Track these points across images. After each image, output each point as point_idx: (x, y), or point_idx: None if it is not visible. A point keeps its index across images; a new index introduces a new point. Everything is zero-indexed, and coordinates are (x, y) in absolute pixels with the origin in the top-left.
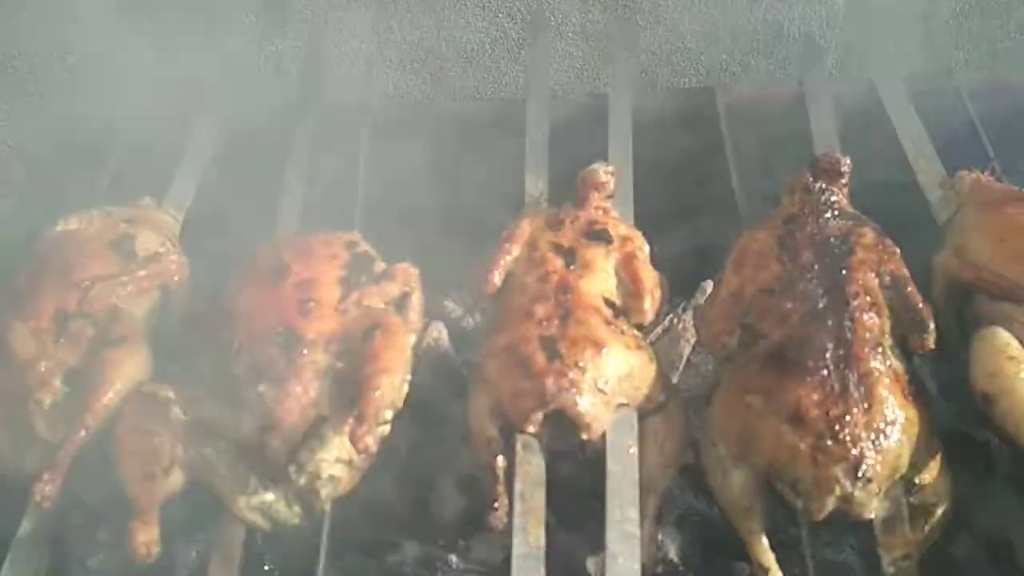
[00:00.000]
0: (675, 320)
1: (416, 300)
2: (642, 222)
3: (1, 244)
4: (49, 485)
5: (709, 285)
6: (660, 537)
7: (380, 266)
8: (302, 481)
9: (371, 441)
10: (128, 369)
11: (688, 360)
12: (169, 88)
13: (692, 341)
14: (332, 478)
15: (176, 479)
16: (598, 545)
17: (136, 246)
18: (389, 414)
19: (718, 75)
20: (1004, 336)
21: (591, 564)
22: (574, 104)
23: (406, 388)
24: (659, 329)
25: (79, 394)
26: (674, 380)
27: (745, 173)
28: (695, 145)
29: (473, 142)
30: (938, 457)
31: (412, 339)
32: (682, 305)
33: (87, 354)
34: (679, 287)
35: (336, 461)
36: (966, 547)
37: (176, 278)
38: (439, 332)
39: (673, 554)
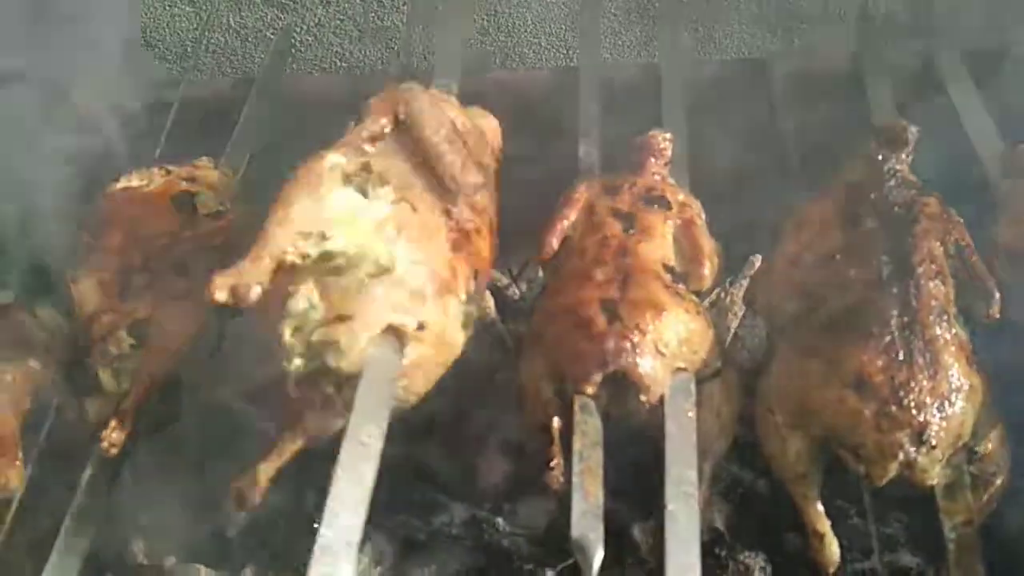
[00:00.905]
0: (723, 294)
1: None
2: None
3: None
4: (116, 432)
5: (757, 259)
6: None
7: None
8: None
9: None
10: (190, 323)
11: (735, 334)
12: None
13: (739, 315)
14: None
15: None
16: (646, 513)
17: (197, 204)
18: None
19: (771, 46)
20: None
21: (638, 530)
22: (626, 74)
23: None
24: (706, 302)
25: (143, 347)
26: (726, 344)
27: (798, 145)
28: (746, 117)
29: (525, 111)
30: (999, 427)
31: None
32: (729, 279)
33: (151, 308)
34: (726, 261)
35: None
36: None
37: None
38: (486, 301)
39: (719, 523)
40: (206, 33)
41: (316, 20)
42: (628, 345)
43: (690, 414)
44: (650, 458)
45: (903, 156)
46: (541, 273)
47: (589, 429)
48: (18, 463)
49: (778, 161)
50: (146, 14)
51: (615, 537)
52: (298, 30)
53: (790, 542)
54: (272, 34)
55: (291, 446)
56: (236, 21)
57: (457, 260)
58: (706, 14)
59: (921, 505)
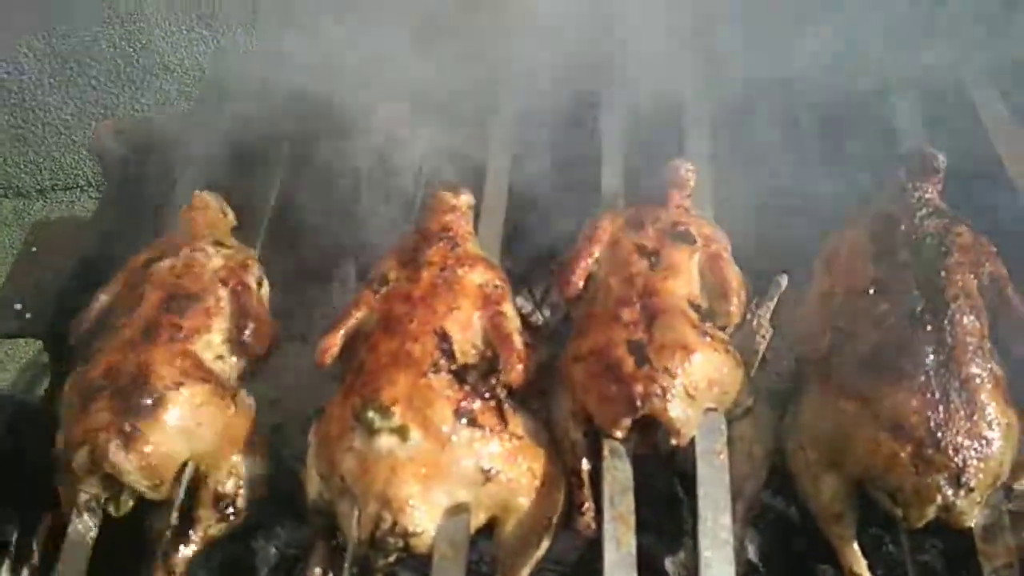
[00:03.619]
0: (748, 316)
1: None
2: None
3: None
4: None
5: (784, 280)
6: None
7: None
8: None
9: None
10: None
11: (764, 357)
12: None
13: (768, 336)
14: None
15: None
16: (677, 545)
17: None
18: None
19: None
20: None
21: (670, 564)
22: (650, 99)
23: None
24: (736, 326)
25: None
26: (761, 378)
27: (821, 167)
28: (768, 137)
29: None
30: None
31: None
32: (755, 300)
33: None
34: (752, 282)
35: None
36: None
37: None
38: None
39: (752, 554)
40: None
41: None
42: (658, 389)
43: (722, 456)
44: (677, 490)
45: (933, 184)
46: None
47: (619, 474)
48: None
49: (799, 181)
50: None
51: (647, 571)
52: None
53: (826, 572)
54: None
55: None
56: None
57: None
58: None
59: (957, 533)
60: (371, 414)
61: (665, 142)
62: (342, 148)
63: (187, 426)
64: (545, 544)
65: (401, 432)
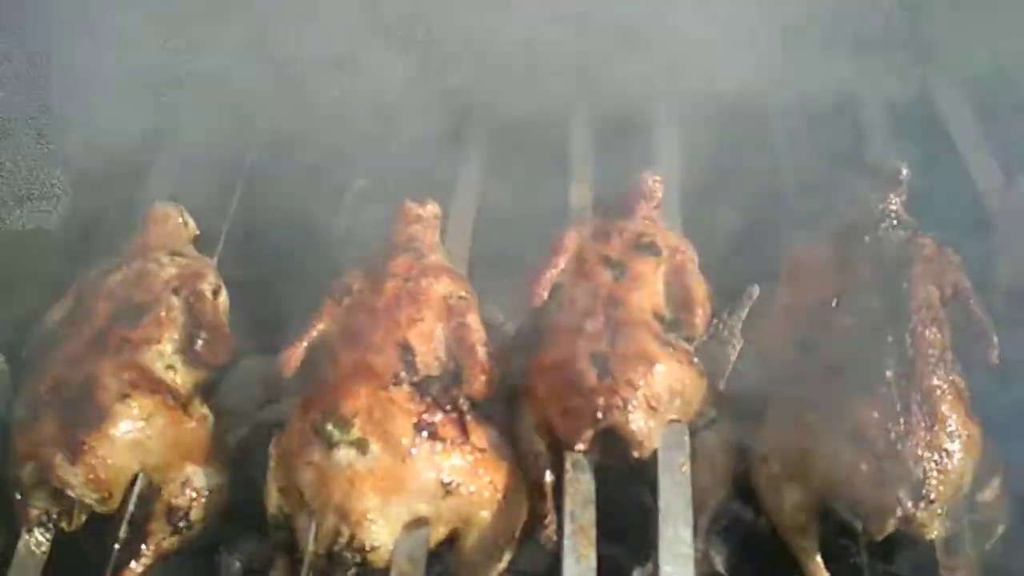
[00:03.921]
0: (720, 326)
1: None
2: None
3: None
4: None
5: (755, 290)
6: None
7: None
8: None
9: None
10: None
11: (734, 366)
12: None
13: (738, 347)
14: None
15: None
16: (644, 556)
17: None
18: None
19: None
20: None
21: (638, 574)
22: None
23: None
24: (706, 336)
25: None
26: (720, 387)
27: (792, 178)
28: (739, 148)
29: (516, 149)
30: (1000, 474)
31: None
32: (727, 310)
33: None
34: (725, 291)
35: None
36: None
37: None
38: None
39: (720, 565)
40: None
41: None
42: (619, 401)
43: (684, 468)
44: (648, 500)
45: (897, 196)
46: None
47: (582, 486)
48: None
49: (771, 190)
50: None
51: None
52: None
53: None
54: None
55: None
56: None
57: None
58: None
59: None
60: (330, 427)
61: (635, 154)
62: (310, 160)
63: (136, 438)
64: (507, 557)
65: (360, 445)
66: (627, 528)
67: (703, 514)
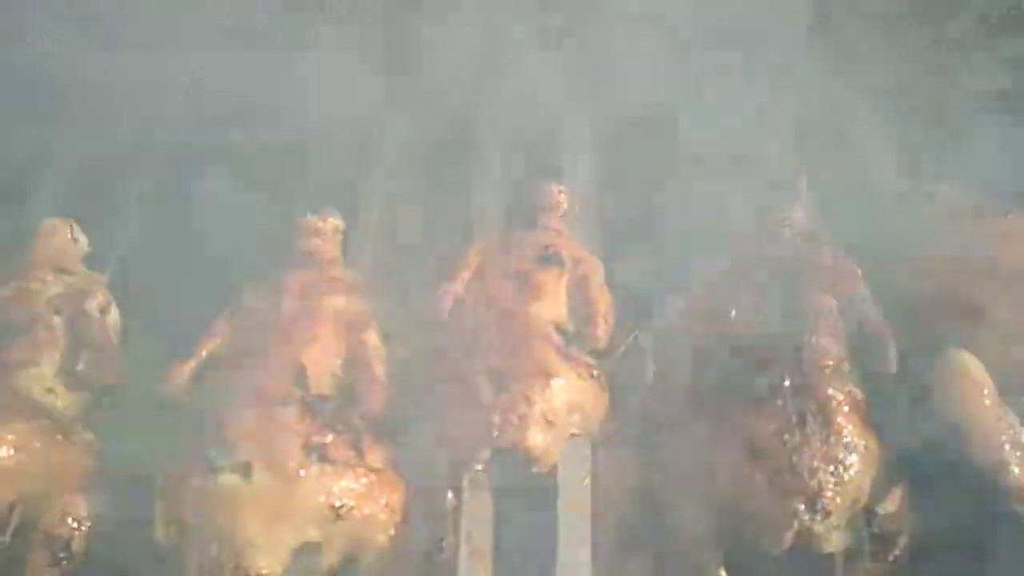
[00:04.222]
0: (637, 341)
1: None
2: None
3: None
4: None
5: (671, 303)
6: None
7: None
8: None
9: None
10: None
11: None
12: None
13: (652, 365)
14: None
15: None
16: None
17: None
18: None
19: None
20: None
21: None
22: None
23: None
24: (622, 349)
25: None
26: (637, 402)
27: (704, 189)
28: (654, 160)
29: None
30: (900, 485)
31: None
32: (645, 325)
33: None
34: (643, 306)
35: None
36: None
37: None
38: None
39: None
40: None
41: None
42: (514, 418)
43: (585, 483)
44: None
45: (796, 205)
46: None
47: (479, 506)
48: None
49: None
50: None
51: None
52: None
53: None
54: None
55: None
56: None
57: None
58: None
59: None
60: (213, 452)
61: (544, 166)
62: (212, 173)
63: (8, 467)
64: None
65: (244, 470)
66: (527, 548)
67: (609, 529)
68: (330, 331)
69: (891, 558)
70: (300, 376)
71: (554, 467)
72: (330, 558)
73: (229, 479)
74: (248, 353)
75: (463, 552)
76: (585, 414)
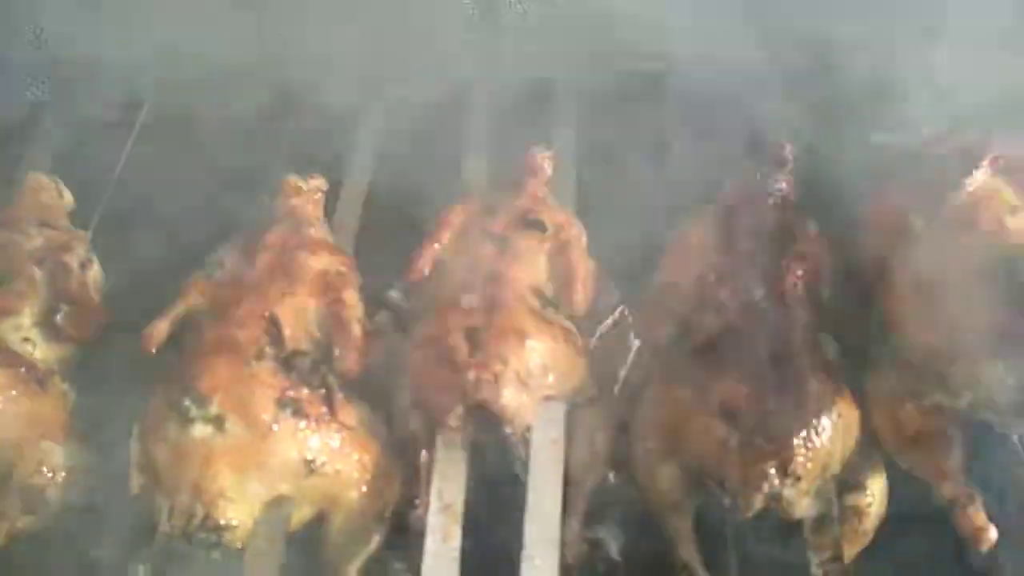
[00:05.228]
0: (625, 312)
1: None
2: (591, 210)
3: None
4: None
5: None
6: (600, 534)
7: None
8: None
9: None
10: None
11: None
12: None
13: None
14: None
15: None
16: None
17: None
18: None
19: (668, 60)
20: None
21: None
22: (520, 87)
23: None
24: (609, 320)
25: None
26: (622, 373)
27: (692, 160)
28: (651, 131)
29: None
30: (872, 455)
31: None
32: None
33: None
34: (634, 277)
35: None
36: (905, 548)
37: None
38: (384, 321)
39: (615, 552)
40: None
41: None
42: (489, 376)
43: (558, 445)
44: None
45: (783, 174)
46: None
47: (452, 465)
48: None
49: (679, 175)
50: None
51: (486, 570)
52: None
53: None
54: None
55: None
56: None
57: None
58: (606, 25)
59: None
60: (187, 402)
61: (533, 131)
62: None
63: None
64: (376, 539)
65: (217, 421)
66: (499, 507)
67: (581, 491)
68: (306, 289)
69: (860, 529)
70: (275, 331)
71: (528, 428)
72: (301, 513)
73: (202, 430)
74: (223, 308)
75: (433, 508)
76: (560, 376)
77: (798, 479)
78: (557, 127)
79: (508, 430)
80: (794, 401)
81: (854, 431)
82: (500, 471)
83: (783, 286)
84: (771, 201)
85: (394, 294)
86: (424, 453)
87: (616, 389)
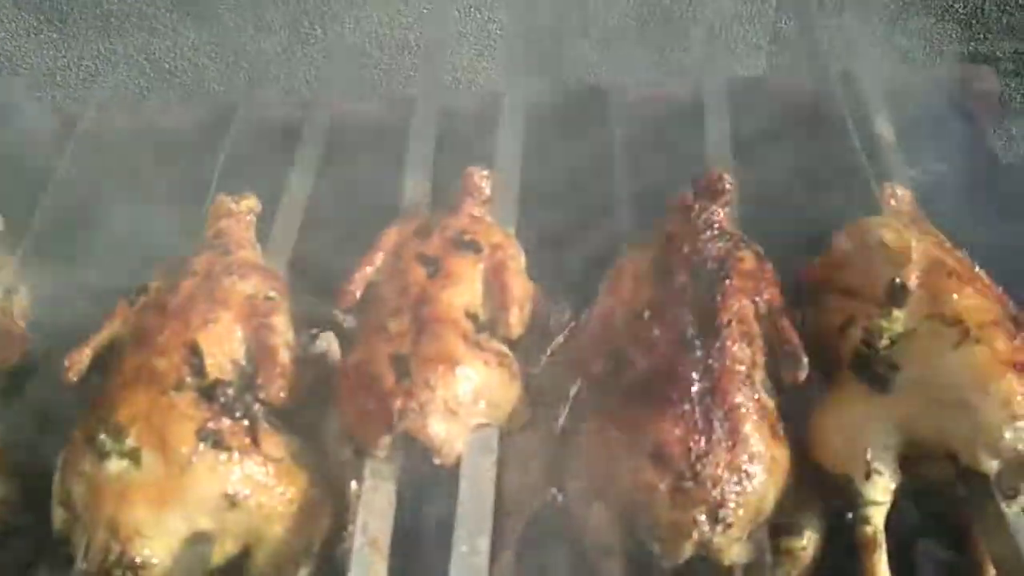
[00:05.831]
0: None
1: None
2: (540, 231)
3: None
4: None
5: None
6: (538, 564)
7: None
8: None
9: None
10: None
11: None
12: None
13: None
14: None
15: None
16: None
17: None
18: None
19: (614, 75)
20: None
21: None
22: (464, 104)
23: None
24: (560, 338)
25: None
26: (571, 395)
27: (637, 181)
28: (596, 149)
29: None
30: (807, 498)
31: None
32: (583, 317)
33: None
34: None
35: None
36: None
37: None
38: (328, 343)
39: None
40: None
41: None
42: (415, 404)
43: (491, 474)
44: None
45: (721, 205)
46: None
47: (379, 496)
48: None
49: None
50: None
51: None
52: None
53: None
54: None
55: None
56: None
57: None
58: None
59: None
60: (103, 436)
61: (477, 150)
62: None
63: None
64: (303, 574)
65: (133, 455)
66: (426, 539)
67: (515, 521)
68: (231, 314)
69: (796, 574)
70: (195, 360)
71: (459, 458)
72: (224, 548)
73: (117, 464)
74: (144, 336)
75: (357, 543)
76: (492, 403)
77: (729, 526)
78: (502, 143)
79: (437, 461)
80: (726, 442)
81: (789, 473)
82: (429, 502)
83: (717, 322)
84: (708, 233)
85: (340, 316)
86: (353, 484)
87: (558, 418)
